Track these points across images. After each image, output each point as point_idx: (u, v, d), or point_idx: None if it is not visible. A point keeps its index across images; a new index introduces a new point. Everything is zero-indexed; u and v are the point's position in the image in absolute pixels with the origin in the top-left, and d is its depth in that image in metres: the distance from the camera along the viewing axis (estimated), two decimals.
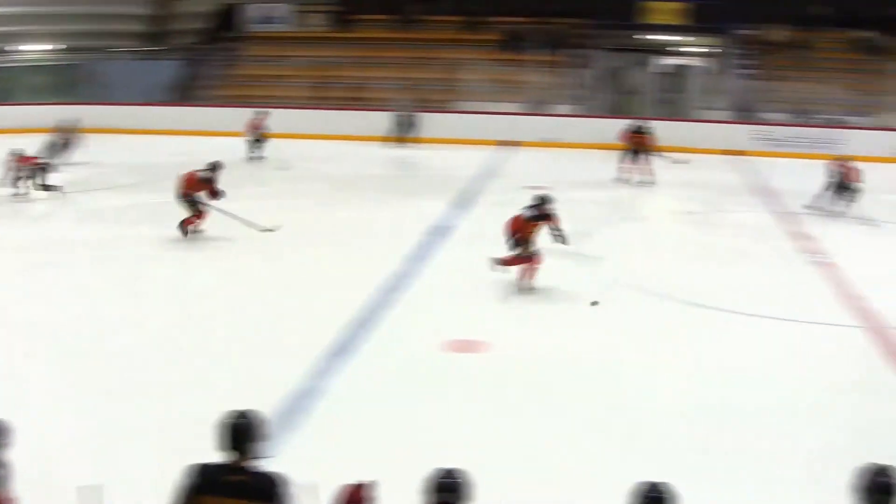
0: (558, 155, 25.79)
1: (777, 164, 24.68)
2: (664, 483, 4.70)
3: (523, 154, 26.11)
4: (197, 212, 15.06)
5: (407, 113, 27.57)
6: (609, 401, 9.18)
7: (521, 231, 12.44)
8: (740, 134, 27.65)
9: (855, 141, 25.88)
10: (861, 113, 28.62)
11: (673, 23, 31.69)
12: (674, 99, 31.20)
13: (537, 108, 28.71)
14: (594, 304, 11.84)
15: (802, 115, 28.38)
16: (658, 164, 22.05)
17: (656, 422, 8.73)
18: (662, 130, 23.92)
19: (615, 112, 29.72)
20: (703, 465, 7.81)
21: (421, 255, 14.54)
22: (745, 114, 28.68)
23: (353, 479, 4.90)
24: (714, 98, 30.13)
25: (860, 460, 4.84)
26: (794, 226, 17.83)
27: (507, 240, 12.47)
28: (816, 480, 7.53)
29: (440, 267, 14.07)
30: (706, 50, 32.56)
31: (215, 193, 15.08)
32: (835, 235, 17.06)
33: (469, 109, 28.68)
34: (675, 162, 22.11)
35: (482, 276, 12.97)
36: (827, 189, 19.26)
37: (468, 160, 24.28)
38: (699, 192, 21.53)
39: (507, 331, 11.19)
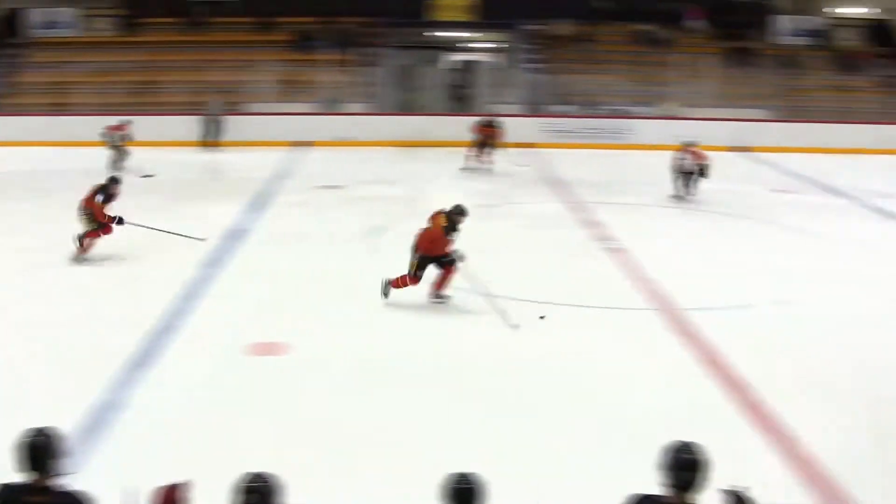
0: (351, 153, 25.88)
1: (566, 155, 25.36)
2: (473, 474, 4.84)
3: (317, 153, 26.08)
4: (100, 227, 14.17)
5: (214, 115, 27.05)
6: (411, 398, 9.25)
7: (436, 245, 11.94)
8: (530, 127, 28.29)
9: (640, 130, 26.97)
10: (645, 103, 29.86)
11: (461, 19, 32.23)
12: (464, 94, 31.75)
13: (329, 107, 28.72)
14: (542, 318, 11.63)
15: (590, 107, 29.34)
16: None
17: (464, 419, 8.80)
18: (454, 126, 24.34)
19: (406, 109, 30.10)
20: (494, 457, 7.89)
21: (218, 259, 14.33)
22: (534, 107, 29.44)
23: (168, 481, 4.90)
24: (504, 92, 30.80)
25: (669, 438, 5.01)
26: (585, 214, 18.39)
27: (413, 254, 12.03)
28: (632, 460, 7.90)
29: (238, 270, 13.90)
30: (494, 45, 33.28)
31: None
32: (624, 221, 17.67)
33: (261, 111, 28.40)
34: (518, 165, 23.20)
35: (280, 278, 12.90)
36: (677, 178, 20.13)
37: (262, 162, 24.06)
38: (492, 184, 22.01)
39: (308, 332, 11.15)
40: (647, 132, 27.25)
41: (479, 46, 33.84)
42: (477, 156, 23.61)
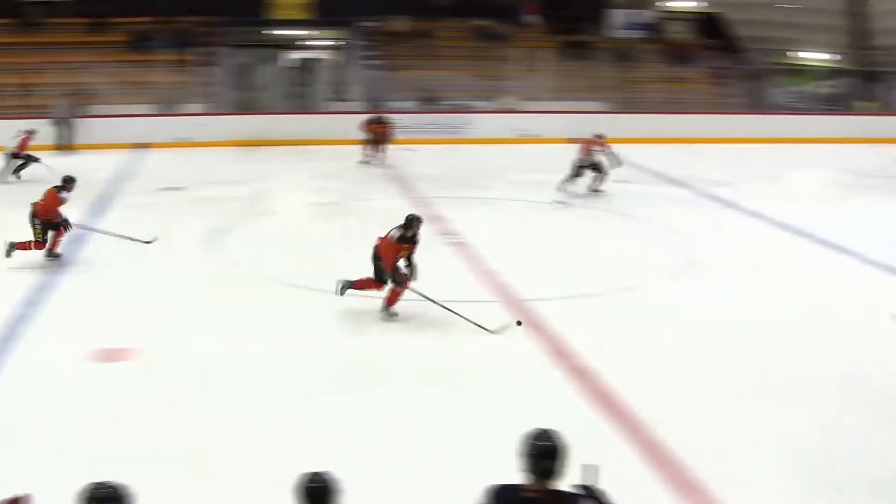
0: (192, 154, 25.71)
1: (407, 151, 25.78)
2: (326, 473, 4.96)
3: (157, 155, 25.78)
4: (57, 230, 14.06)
5: (65, 118, 26.48)
6: (264, 400, 9.42)
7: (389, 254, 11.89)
8: None
9: (480, 124, 27.56)
10: (484, 97, 30.50)
11: (299, 17, 32.39)
12: (304, 93, 31.90)
13: (168, 108, 28.49)
14: (518, 323, 11.61)
15: (430, 103, 29.84)
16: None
17: (309, 419, 8.97)
18: (294, 124, 24.51)
19: (246, 109, 30.09)
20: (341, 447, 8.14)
21: (60, 262, 14.19)
22: (374, 104, 29.75)
23: (9, 494, 4.97)
24: (343, 89, 31.13)
25: (523, 428, 5.09)
26: (427, 209, 18.60)
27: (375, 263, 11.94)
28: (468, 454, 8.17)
29: (82, 273, 13.85)
30: (333, 43, 33.50)
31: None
32: (466, 216, 18.09)
33: (101, 113, 27.92)
34: (407, 150, 24.16)
35: (126, 280, 12.90)
36: (580, 173, 20.43)
37: (102, 164, 23.64)
38: (334, 182, 22.22)
39: (157, 336, 11.16)
40: (486, 126, 27.87)
41: (318, 44, 34.03)
42: (370, 153, 24.32)
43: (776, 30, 37.43)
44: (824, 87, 38.43)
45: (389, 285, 11.89)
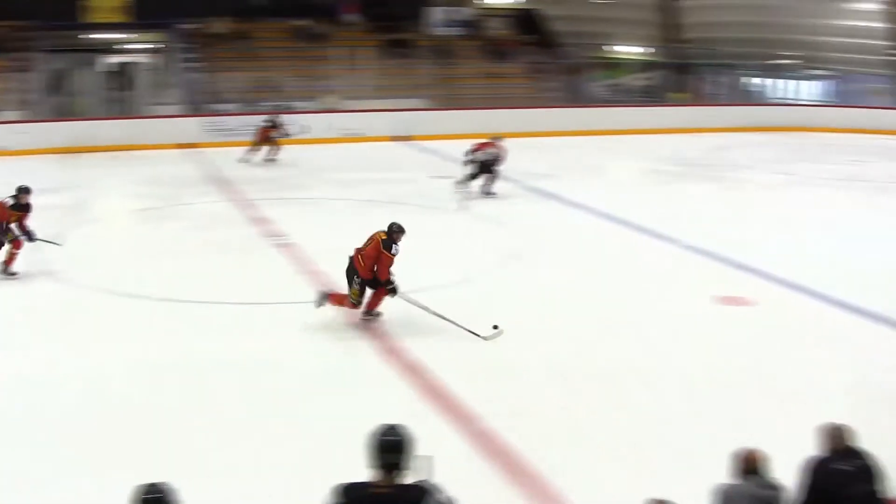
0: (9, 163, 25.05)
1: (230, 153, 26.02)
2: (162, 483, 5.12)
3: None
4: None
5: None
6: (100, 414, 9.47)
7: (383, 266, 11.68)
8: (192, 127, 28.67)
9: (303, 125, 27.96)
10: (307, 98, 30.91)
11: (116, 20, 32.18)
12: (123, 97, 31.71)
13: None
14: (495, 328, 11.60)
15: (251, 104, 30.16)
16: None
17: (154, 428, 9.08)
18: (114, 129, 24.54)
19: (64, 115, 29.76)
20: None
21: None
22: (195, 106, 29.96)
23: None
24: (164, 93, 31.12)
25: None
26: (252, 211, 19.05)
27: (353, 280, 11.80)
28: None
29: None
30: (151, 46, 33.37)
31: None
32: (291, 217, 18.47)
33: None
34: (301, 130, 25.39)
35: None
36: (476, 174, 20.72)
37: None
38: (157, 187, 22.20)
39: None
40: (309, 126, 28.37)
41: (136, 48, 33.86)
42: (257, 151, 25.20)
43: (592, 25, 39.15)
44: (639, 80, 40.38)
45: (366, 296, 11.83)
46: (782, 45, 37.46)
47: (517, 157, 24.72)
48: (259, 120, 25.94)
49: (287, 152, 25.35)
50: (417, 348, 11.04)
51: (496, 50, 35.77)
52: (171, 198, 21.04)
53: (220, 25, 33.09)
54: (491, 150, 20.88)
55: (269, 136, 25.37)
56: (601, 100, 36.64)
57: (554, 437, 8.85)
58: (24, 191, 14.36)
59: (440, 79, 33.34)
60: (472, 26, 37.03)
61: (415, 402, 9.55)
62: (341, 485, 5.05)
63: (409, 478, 5.06)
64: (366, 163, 25.32)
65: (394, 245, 11.61)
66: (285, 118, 26.22)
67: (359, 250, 11.81)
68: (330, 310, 12.00)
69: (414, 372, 10.40)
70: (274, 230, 17.19)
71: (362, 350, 11.23)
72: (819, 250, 16.29)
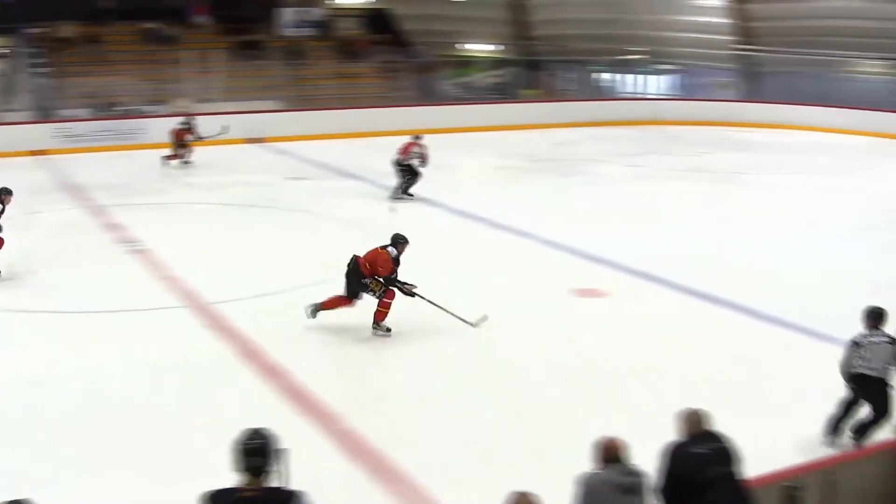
0: None
1: (81, 160, 26.06)
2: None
3: None
4: None
5: None
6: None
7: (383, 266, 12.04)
8: (42, 133, 28.31)
9: (155, 129, 28.02)
10: (158, 102, 30.98)
11: None
12: None
13: None
14: (483, 319, 12.10)
15: (102, 109, 30.10)
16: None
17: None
18: None
19: None
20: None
21: None
22: (44, 112, 29.70)
23: None
24: (12, 99, 30.72)
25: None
26: (105, 218, 19.05)
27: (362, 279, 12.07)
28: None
29: None
30: None
31: None
32: (145, 222, 18.56)
33: None
34: (222, 130, 25.08)
35: None
36: (405, 176, 21.00)
37: None
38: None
39: None
40: (161, 131, 28.30)
41: None
42: (178, 155, 25.16)
43: (443, 23, 39.87)
44: (490, 78, 41.30)
45: (373, 298, 12.05)
46: (630, 40, 39.00)
47: (371, 157, 25.30)
48: (104, 125, 25.79)
49: (140, 157, 25.37)
50: (275, 349, 11.37)
51: (348, 50, 36.36)
52: (22, 206, 20.38)
53: (68, 29, 32.76)
54: (415, 151, 21.23)
55: (183, 140, 25.39)
56: (453, 98, 37.50)
57: (416, 432, 9.34)
58: (6, 192, 14.63)
59: (292, 80, 33.82)
60: (324, 27, 37.58)
61: (277, 404, 9.87)
62: (209, 492, 5.12)
63: (275, 481, 5.21)
64: (221, 166, 25.46)
65: (393, 248, 12.12)
66: (199, 119, 26.25)
67: (364, 257, 12.16)
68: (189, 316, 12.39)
69: (273, 374, 10.69)
70: (127, 236, 17.26)
71: (222, 355, 11.40)
72: (668, 240, 17.20)
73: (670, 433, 6.58)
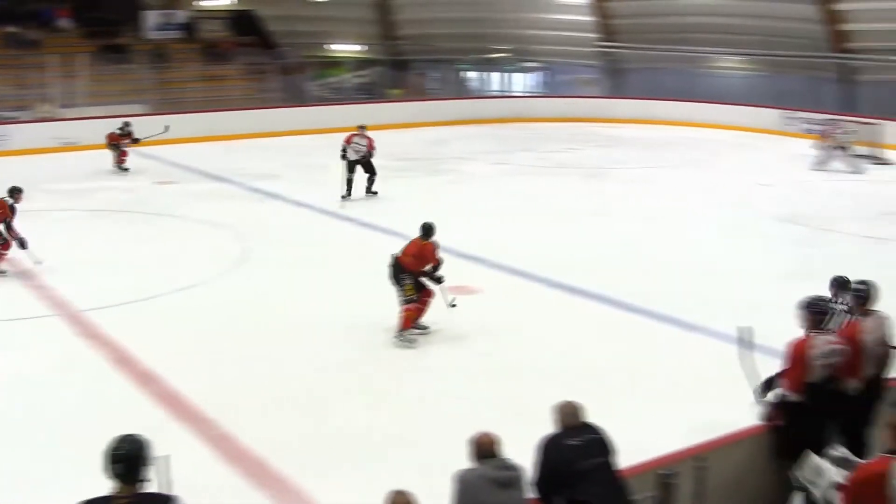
0: None
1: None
2: None
3: None
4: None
5: None
6: None
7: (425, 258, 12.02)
8: None
9: (18, 135, 27.93)
10: (20, 107, 30.70)
11: None
12: None
13: None
14: (453, 305, 12.18)
15: None
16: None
17: None
18: None
19: None
20: None
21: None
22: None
23: None
24: None
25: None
26: None
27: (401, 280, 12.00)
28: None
29: None
30: None
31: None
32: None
33: None
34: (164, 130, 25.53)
35: None
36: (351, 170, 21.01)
37: None
38: None
39: None
40: (24, 137, 28.29)
41: None
42: (116, 161, 25.07)
43: (308, 24, 40.27)
44: (357, 78, 41.83)
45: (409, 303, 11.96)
46: (496, 39, 39.94)
47: (238, 159, 25.62)
48: None
49: (9, 164, 25.08)
50: (148, 355, 11.47)
51: (213, 52, 36.67)
52: None
53: None
54: (359, 141, 21.24)
55: (119, 144, 25.31)
56: (320, 98, 37.89)
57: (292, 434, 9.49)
58: (17, 191, 14.79)
59: (158, 83, 33.84)
60: (188, 29, 37.79)
61: (153, 410, 9.93)
62: (83, 501, 5.03)
63: (149, 487, 5.13)
64: (86, 172, 25.18)
65: (429, 234, 12.10)
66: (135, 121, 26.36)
67: (400, 255, 12.08)
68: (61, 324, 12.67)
69: (147, 381, 10.71)
70: None
71: (95, 359, 11.48)
72: (538, 236, 17.74)
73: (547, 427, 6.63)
